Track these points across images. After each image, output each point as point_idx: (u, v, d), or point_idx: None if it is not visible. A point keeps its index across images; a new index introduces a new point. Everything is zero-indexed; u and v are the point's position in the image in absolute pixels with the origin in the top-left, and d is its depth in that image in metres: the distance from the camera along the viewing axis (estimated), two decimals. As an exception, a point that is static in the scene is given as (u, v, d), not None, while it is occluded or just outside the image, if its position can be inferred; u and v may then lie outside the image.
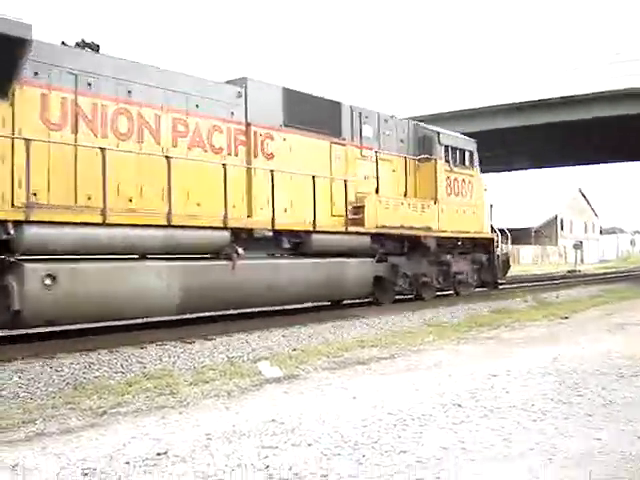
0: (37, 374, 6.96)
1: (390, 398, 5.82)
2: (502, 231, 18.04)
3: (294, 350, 8.79)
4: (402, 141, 15.22)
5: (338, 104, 13.44)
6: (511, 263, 19.73)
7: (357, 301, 14.25)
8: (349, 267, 12.79)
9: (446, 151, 15.81)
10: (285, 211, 11.94)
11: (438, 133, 15.64)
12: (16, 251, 8.07)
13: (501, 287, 18.68)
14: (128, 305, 9.04)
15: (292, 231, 11.77)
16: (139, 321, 10.55)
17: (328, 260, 12.32)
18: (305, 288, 11.79)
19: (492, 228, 17.99)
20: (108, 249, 8.84)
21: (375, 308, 13.47)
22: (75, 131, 9.00)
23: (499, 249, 18.01)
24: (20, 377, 6.81)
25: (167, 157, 9.64)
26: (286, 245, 11.73)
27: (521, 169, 46.14)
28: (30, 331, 9.37)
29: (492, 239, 17.74)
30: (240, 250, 10.50)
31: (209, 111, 10.79)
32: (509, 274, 19.48)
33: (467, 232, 16.47)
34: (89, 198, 8.92)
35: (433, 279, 15.68)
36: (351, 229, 12.81)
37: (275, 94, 12.04)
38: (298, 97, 12.44)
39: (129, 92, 9.65)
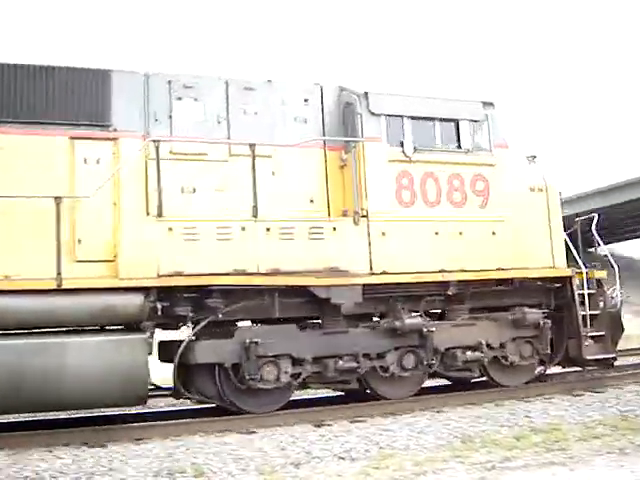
0: (425, 427, 7.28)
1: None
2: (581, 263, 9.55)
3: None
4: (303, 120, 8.64)
5: (105, 74, 7.88)
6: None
7: None
8: (73, 354, 6.98)
9: (391, 125, 8.69)
10: None
11: (365, 94, 8.65)
12: None
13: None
14: None
15: None
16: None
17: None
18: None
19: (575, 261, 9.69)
20: None
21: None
22: None
23: (592, 297, 9.57)
24: (410, 430, 7.14)
25: None
26: None
27: None
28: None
29: (567, 278, 9.46)
30: None
31: None
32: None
33: (470, 270, 8.80)
34: None
35: (390, 364, 8.48)
36: (81, 284, 7.07)
37: None
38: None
39: None
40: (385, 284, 8.36)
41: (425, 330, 8.54)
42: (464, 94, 9.40)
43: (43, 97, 7.56)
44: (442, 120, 8.96)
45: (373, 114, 8.61)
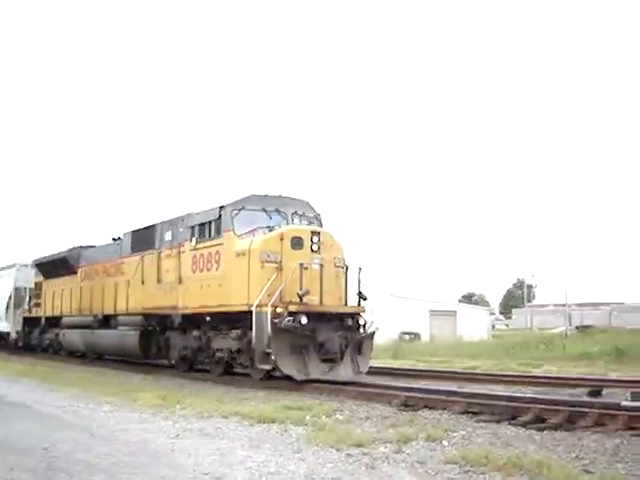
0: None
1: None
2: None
3: None
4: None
5: (154, 226, 19.58)
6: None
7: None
8: (126, 335, 19.55)
9: (192, 231, 16.72)
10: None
11: (182, 218, 17.15)
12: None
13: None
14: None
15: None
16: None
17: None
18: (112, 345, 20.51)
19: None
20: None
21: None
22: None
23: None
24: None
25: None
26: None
27: None
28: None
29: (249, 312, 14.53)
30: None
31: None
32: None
33: (209, 306, 15.84)
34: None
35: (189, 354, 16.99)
36: (131, 311, 19.51)
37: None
38: (135, 234, 20.63)
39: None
40: (185, 314, 16.76)
41: (204, 336, 16.26)
42: (216, 203, 16.02)
43: (144, 239, 20.14)
44: (206, 224, 16.22)
45: (188, 227, 16.99)
